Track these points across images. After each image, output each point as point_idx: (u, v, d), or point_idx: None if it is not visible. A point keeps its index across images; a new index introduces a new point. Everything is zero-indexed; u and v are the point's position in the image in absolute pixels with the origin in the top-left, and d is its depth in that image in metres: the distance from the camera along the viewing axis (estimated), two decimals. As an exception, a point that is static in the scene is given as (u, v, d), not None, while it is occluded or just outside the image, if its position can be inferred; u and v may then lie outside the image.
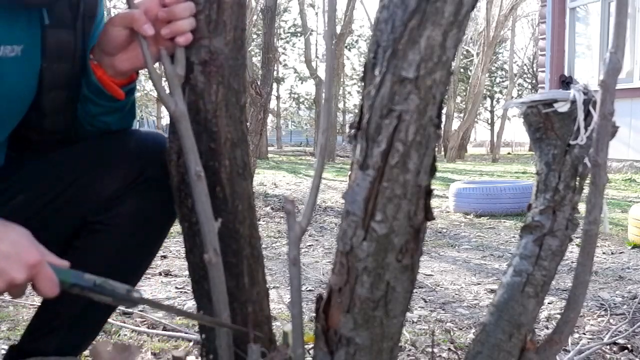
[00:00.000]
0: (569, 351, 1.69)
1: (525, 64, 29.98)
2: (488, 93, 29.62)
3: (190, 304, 2.24)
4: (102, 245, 1.15)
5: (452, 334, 1.93)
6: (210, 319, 0.98)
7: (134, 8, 0.97)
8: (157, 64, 1.00)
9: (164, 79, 0.97)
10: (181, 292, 2.49)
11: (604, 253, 3.33)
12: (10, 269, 0.85)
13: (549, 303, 2.29)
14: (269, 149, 20.26)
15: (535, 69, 20.50)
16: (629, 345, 1.78)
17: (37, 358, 1.19)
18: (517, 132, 39.22)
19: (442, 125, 1.17)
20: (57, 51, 1.08)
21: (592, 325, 2.04)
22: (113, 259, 1.15)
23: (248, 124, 3.19)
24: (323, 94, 0.90)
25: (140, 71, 1.12)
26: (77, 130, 1.16)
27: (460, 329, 2.00)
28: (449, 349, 1.76)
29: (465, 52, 24.27)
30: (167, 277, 2.75)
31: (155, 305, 0.93)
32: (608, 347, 1.78)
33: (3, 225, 0.89)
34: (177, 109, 0.92)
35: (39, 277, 0.87)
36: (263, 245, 1.66)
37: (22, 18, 1.02)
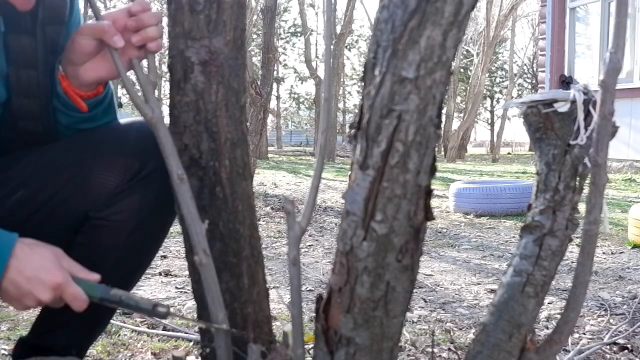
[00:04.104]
0: (569, 351, 1.69)
1: (525, 64, 30.00)
2: (488, 93, 29.64)
3: (190, 304, 2.24)
4: (104, 242, 1.14)
5: (452, 334, 1.93)
6: (239, 332, 0.99)
7: (101, 19, 0.99)
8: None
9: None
10: (181, 292, 2.49)
11: (604, 253, 3.33)
12: (35, 291, 0.94)
13: (549, 303, 2.29)
14: (269, 149, 20.26)
15: (535, 69, 20.50)
16: (629, 345, 1.78)
17: (37, 358, 1.19)
18: (517, 132, 39.28)
19: (442, 125, 1.17)
20: (20, 57, 1.08)
21: (592, 325, 2.04)
22: (116, 254, 1.15)
23: (248, 124, 3.19)
24: (323, 94, 0.90)
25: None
26: (56, 132, 1.16)
27: (460, 329, 2.00)
28: (449, 349, 1.76)
29: (465, 52, 24.28)
30: (167, 277, 2.75)
31: (183, 319, 0.96)
32: (608, 347, 1.78)
33: (30, 249, 0.96)
34: (154, 115, 0.94)
35: (64, 295, 0.96)
36: (263, 245, 1.66)
37: None
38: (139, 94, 0.95)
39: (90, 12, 1.02)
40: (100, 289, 0.98)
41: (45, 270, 0.94)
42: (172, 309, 2.21)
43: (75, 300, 0.96)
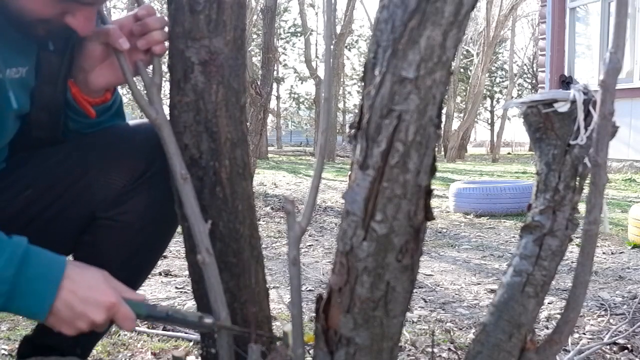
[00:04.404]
0: (569, 351, 1.69)
1: (525, 64, 29.99)
2: (488, 93, 29.63)
3: (190, 304, 2.24)
4: (110, 242, 1.15)
5: (452, 334, 1.93)
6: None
7: (109, 24, 1.02)
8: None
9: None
10: (181, 292, 2.49)
11: (604, 253, 3.33)
12: (89, 312, 0.92)
13: (549, 303, 2.29)
14: (269, 149, 20.25)
15: (535, 69, 20.51)
16: (629, 345, 1.78)
17: (38, 358, 1.19)
18: (517, 132, 39.29)
19: (442, 125, 1.17)
20: (46, 73, 1.10)
21: (592, 325, 2.04)
22: (122, 254, 1.16)
23: (248, 124, 3.19)
24: (323, 94, 0.90)
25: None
26: (63, 138, 1.17)
27: (460, 329, 2.00)
28: (449, 349, 1.76)
29: (465, 52, 24.28)
30: (167, 277, 2.75)
31: (229, 329, 0.96)
32: (608, 347, 1.78)
33: (81, 270, 0.95)
34: (159, 116, 0.96)
35: (116, 316, 0.94)
36: (263, 245, 1.66)
37: (26, 42, 1.05)
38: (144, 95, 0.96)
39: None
40: (146, 306, 0.97)
41: (98, 290, 0.93)
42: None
43: (126, 321, 0.95)
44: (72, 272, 0.93)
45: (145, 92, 0.99)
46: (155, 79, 1.00)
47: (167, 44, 1.02)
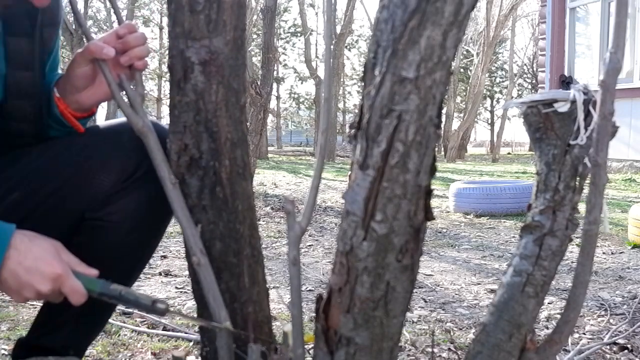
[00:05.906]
0: (569, 351, 1.69)
1: (525, 64, 30.00)
2: (488, 93, 29.65)
3: (191, 304, 2.24)
4: (101, 242, 1.15)
5: (452, 334, 1.93)
6: (237, 331, 0.99)
7: (92, 41, 1.07)
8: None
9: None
10: (181, 292, 2.49)
11: (604, 253, 3.33)
12: (34, 283, 0.94)
13: (549, 303, 2.29)
14: (269, 149, 20.26)
15: (535, 69, 20.51)
16: (629, 345, 1.78)
17: (37, 358, 1.19)
18: (517, 132, 39.33)
19: (442, 125, 1.17)
20: (18, 59, 1.11)
21: (592, 325, 2.04)
22: (112, 255, 1.15)
23: (248, 124, 3.19)
24: (323, 94, 0.91)
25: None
26: (47, 135, 1.18)
27: (460, 329, 2.00)
28: (449, 349, 1.76)
29: (465, 52, 24.28)
30: (167, 277, 2.75)
31: (183, 317, 0.97)
32: (608, 347, 1.78)
33: (29, 240, 0.97)
34: (144, 124, 1.00)
35: (63, 288, 0.96)
36: (263, 245, 1.66)
37: None
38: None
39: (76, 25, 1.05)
40: (100, 283, 0.97)
41: (44, 261, 0.95)
42: (172, 308, 2.21)
43: (74, 294, 0.96)
44: (19, 243, 0.95)
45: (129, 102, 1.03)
46: (139, 90, 1.05)
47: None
